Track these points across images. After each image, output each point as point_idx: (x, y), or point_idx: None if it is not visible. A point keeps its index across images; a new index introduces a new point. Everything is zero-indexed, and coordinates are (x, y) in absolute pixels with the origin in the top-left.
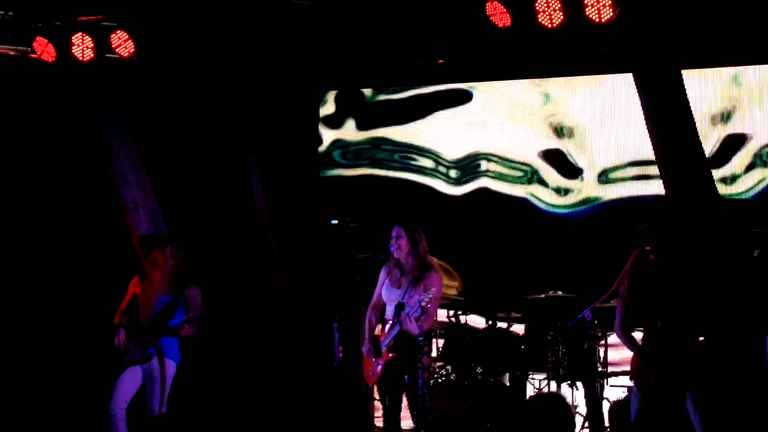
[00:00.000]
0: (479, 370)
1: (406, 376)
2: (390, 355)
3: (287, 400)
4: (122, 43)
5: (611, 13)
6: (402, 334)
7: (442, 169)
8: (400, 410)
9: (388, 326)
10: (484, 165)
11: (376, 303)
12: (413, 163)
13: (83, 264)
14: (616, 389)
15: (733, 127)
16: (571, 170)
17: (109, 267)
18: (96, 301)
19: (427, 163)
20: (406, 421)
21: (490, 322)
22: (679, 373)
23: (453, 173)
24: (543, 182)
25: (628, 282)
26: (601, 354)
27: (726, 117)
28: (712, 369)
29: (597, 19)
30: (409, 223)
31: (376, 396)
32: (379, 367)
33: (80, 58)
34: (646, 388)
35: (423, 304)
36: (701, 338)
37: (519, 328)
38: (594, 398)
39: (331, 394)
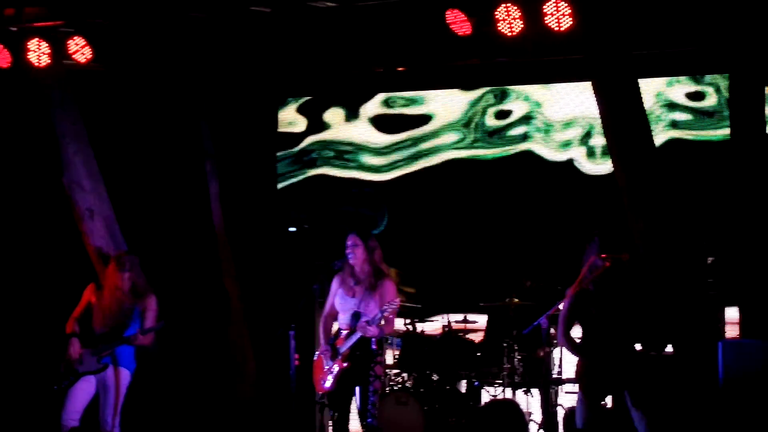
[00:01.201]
0: (435, 377)
1: (357, 387)
2: (345, 364)
3: (243, 409)
4: (79, 49)
5: (571, 23)
6: (358, 343)
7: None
8: (348, 420)
9: (344, 334)
10: None
11: (330, 312)
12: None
13: (37, 272)
14: (570, 396)
15: None
16: None
17: (63, 275)
18: (50, 309)
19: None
20: None
21: (446, 328)
22: (616, 377)
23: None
24: None
25: (577, 290)
26: (556, 361)
27: None
28: (648, 373)
29: (557, 28)
30: (363, 231)
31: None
32: (331, 376)
33: (36, 64)
34: (589, 392)
35: (386, 314)
36: (638, 345)
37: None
38: (549, 405)
39: (286, 402)
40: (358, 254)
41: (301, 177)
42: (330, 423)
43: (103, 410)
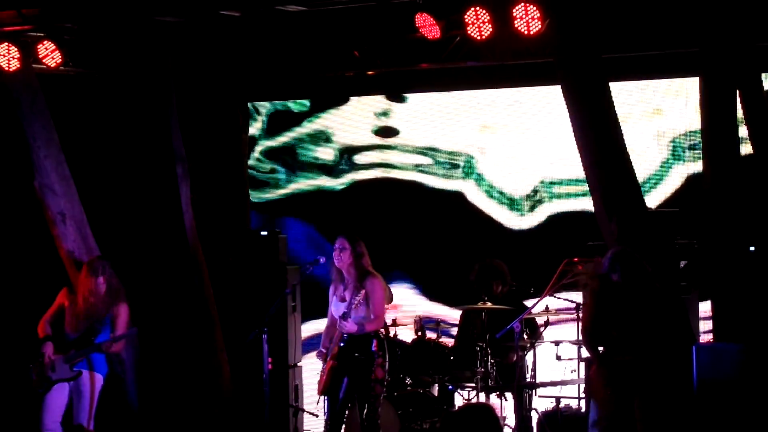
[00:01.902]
0: (408, 381)
1: (356, 394)
2: (332, 362)
3: (216, 413)
4: (49, 54)
5: (540, 26)
6: (355, 344)
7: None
8: (342, 422)
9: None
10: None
11: (331, 321)
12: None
13: (9, 276)
14: (544, 400)
15: None
16: None
17: (35, 279)
18: (22, 314)
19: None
20: None
21: (419, 334)
22: (629, 383)
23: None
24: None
25: (592, 297)
26: (530, 365)
27: None
28: (656, 378)
29: (526, 32)
30: (352, 235)
31: (305, 408)
32: (325, 377)
33: (6, 69)
34: (600, 398)
35: (354, 304)
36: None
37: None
38: (523, 409)
39: (260, 406)
40: (345, 258)
41: None
42: (305, 428)
43: (77, 415)
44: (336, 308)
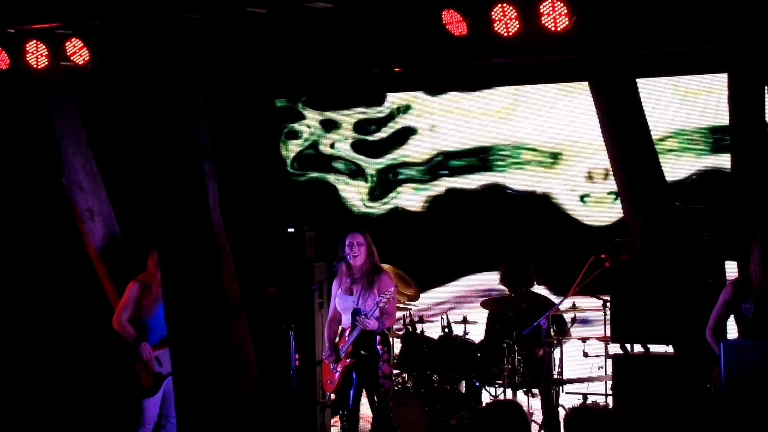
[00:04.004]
0: (435, 378)
1: (365, 390)
2: (348, 360)
3: (244, 409)
4: (77, 51)
5: (567, 22)
6: (360, 340)
7: None
8: (358, 418)
9: (346, 333)
10: None
11: (333, 317)
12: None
13: (38, 272)
14: (571, 396)
15: None
16: None
17: (64, 275)
18: (50, 310)
19: None
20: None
21: (445, 331)
22: None
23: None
24: None
25: (734, 287)
26: (557, 362)
27: None
28: None
29: (553, 28)
30: (363, 229)
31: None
32: (337, 375)
33: (34, 66)
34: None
35: (381, 305)
36: None
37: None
38: (550, 405)
39: (287, 402)
40: (362, 253)
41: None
42: (333, 423)
43: (169, 403)
44: (342, 301)
